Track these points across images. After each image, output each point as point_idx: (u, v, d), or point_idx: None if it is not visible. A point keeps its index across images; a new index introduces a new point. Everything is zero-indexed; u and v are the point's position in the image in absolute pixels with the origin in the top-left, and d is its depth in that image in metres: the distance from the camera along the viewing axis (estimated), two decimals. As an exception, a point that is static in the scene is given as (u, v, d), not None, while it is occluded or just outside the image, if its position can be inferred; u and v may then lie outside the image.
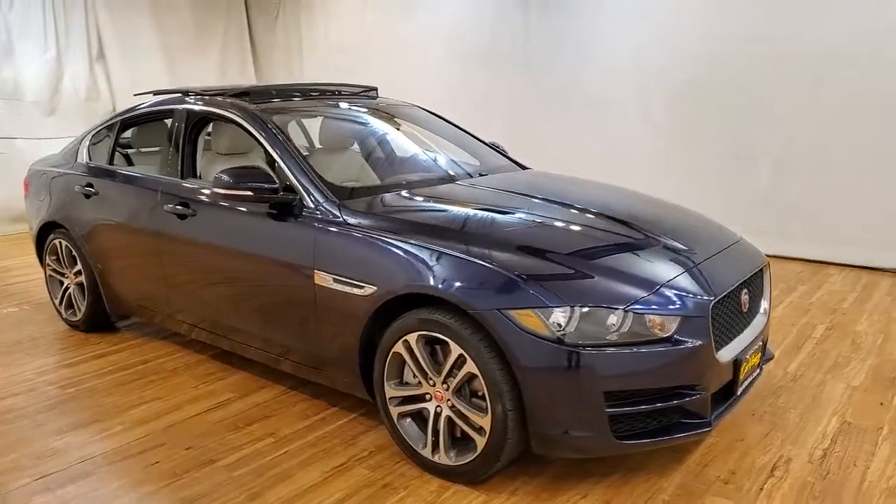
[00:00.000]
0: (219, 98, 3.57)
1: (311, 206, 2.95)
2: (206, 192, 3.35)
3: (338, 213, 2.87)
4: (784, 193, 5.88)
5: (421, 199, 3.08)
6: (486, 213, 2.88)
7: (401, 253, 2.61)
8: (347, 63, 8.83)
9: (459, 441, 2.59)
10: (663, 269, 2.52)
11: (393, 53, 8.32)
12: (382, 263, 2.65)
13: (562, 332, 2.28)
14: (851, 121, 5.47)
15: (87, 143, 4.30)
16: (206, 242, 3.33)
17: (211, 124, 3.71)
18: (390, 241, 2.66)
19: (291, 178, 3.05)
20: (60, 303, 4.42)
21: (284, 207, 3.02)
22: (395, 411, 2.72)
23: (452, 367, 2.50)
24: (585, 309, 2.30)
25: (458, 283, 2.43)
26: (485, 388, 2.40)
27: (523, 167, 3.96)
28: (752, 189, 6.06)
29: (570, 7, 6.96)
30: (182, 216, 3.42)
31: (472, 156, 3.94)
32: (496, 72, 7.57)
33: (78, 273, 4.24)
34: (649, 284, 2.42)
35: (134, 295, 3.91)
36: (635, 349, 2.29)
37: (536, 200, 3.08)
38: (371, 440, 2.94)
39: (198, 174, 3.61)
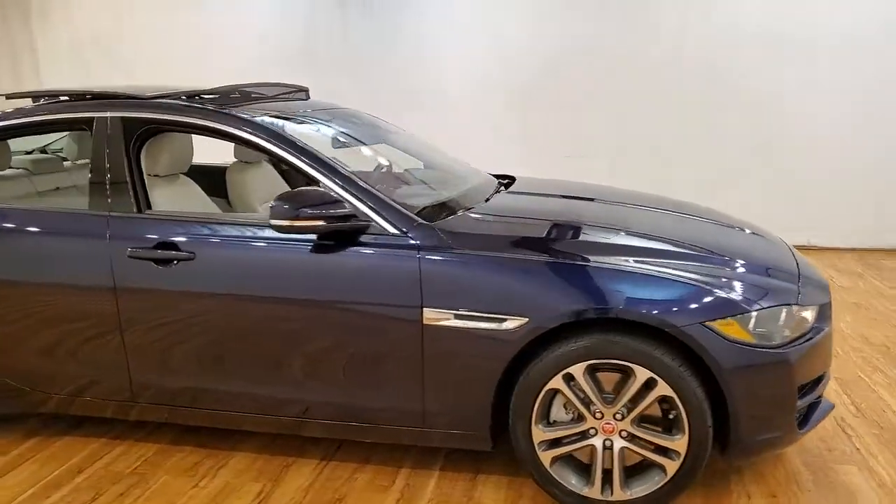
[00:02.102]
0: (184, 104, 2.71)
1: (395, 232, 2.42)
2: (224, 224, 2.57)
3: (442, 238, 2.39)
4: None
5: (510, 214, 2.76)
6: (607, 226, 2.69)
7: (561, 275, 2.28)
8: (112, 66, 7.38)
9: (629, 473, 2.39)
10: (785, 261, 2.62)
11: (180, 55, 7.19)
12: (533, 289, 2.29)
13: (758, 335, 2.24)
14: (675, 118, 6.30)
15: None
16: (214, 293, 2.51)
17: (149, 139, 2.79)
18: (541, 262, 2.31)
19: (354, 201, 2.45)
20: None
21: (346, 237, 2.43)
22: (546, 456, 2.38)
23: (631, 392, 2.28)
24: (767, 309, 2.29)
25: (651, 301, 2.21)
26: (681, 408, 2.24)
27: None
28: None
29: (391, 6, 6.79)
30: (164, 262, 2.53)
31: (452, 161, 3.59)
32: (316, 75, 6.98)
33: None
34: (794, 277, 2.50)
35: (34, 375, 2.79)
36: (808, 339, 2.35)
37: (623, 207, 3.01)
38: (491, 493, 2.54)
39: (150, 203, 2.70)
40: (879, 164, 5.82)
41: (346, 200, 2.44)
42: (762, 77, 6.06)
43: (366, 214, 2.44)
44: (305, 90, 3.70)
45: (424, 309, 2.35)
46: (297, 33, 7.01)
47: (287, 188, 3.88)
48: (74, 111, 2.81)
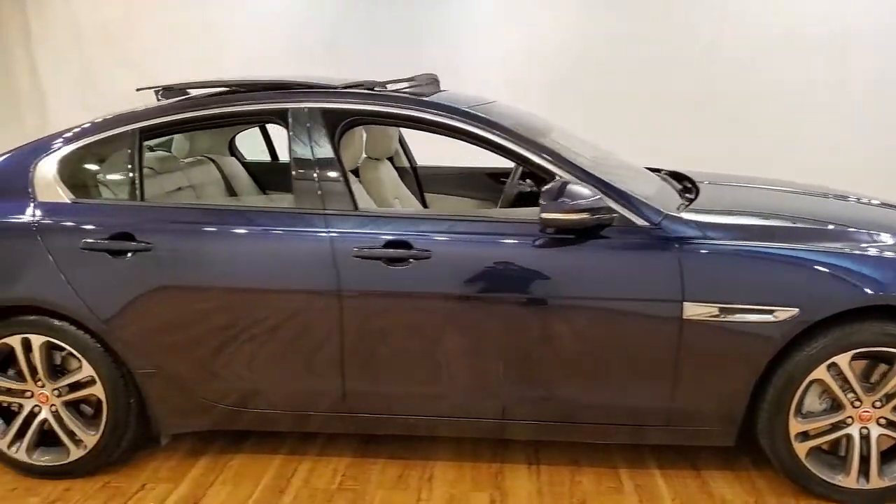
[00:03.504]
0: (390, 93, 2.59)
1: (645, 224, 2.34)
2: (455, 221, 2.46)
3: (696, 230, 2.34)
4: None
5: (737, 206, 2.74)
6: (832, 216, 2.69)
7: (830, 263, 2.26)
8: (119, 61, 6.88)
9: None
10: None
11: (197, 52, 6.81)
12: (802, 279, 2.26)
13: None
14: (708, 116, 6.45)
15: (55, 169, 2.61)
16: (452, 293, 2.37)
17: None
18: (808, 251, 2.28)
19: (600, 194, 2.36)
20: (13, 441, 2.63)
21: (589, 232, 2.34)
22: (802, 448, 2.37)
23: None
24: None
25: (923, 287, 2.24)
26: (943, 393, 2.28)
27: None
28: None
29: (423, 4, 6.68)
30: (397, 261, 2.37)
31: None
32: (343, 74, 6.81)
33: (74, 387, 2.57)
34: None
35: (234, 390, 2.57)
36: None
37: (822, 199, 3.03)
38: (727, 489, 2.52)
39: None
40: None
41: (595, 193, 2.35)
42: (797, 76, 6.27)
43: (611, 207, 2.35)
44: (437, 80, 3.56)
45: (685, 303, 2.29)
46: (323, 32, 6.77)
47: (403, 185, 3.76)
48: (262, 102, 2.60)
